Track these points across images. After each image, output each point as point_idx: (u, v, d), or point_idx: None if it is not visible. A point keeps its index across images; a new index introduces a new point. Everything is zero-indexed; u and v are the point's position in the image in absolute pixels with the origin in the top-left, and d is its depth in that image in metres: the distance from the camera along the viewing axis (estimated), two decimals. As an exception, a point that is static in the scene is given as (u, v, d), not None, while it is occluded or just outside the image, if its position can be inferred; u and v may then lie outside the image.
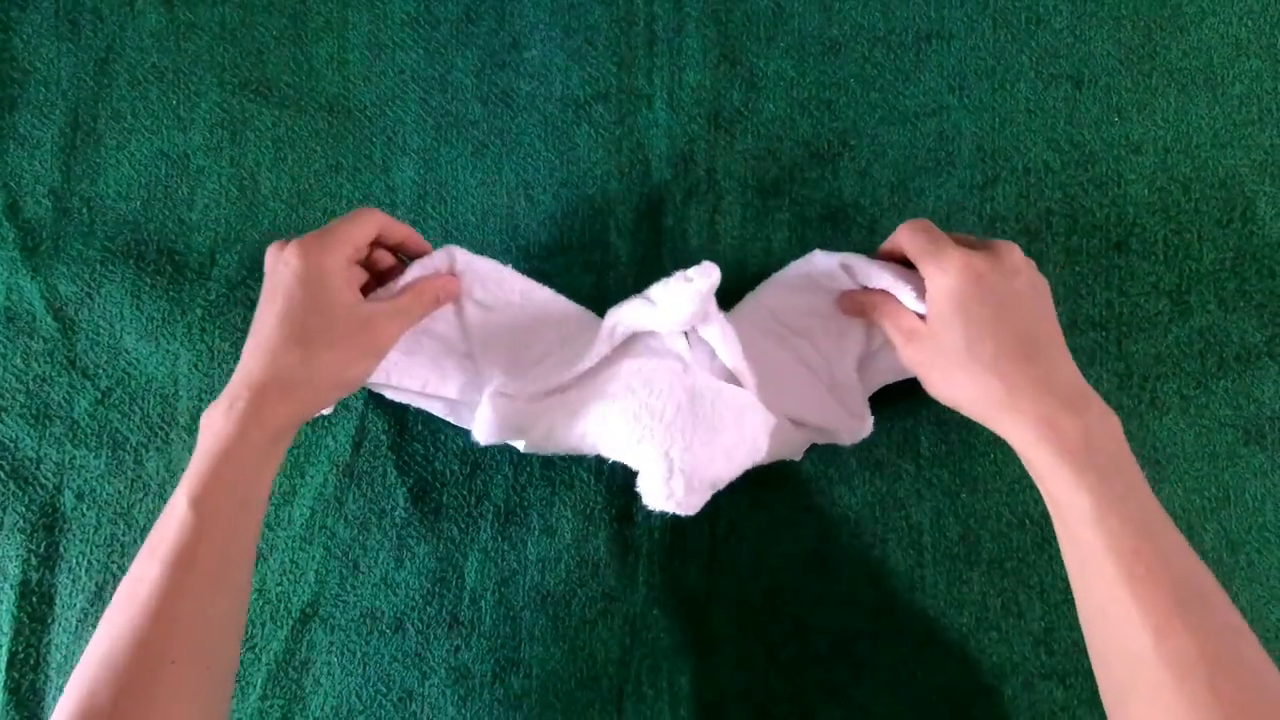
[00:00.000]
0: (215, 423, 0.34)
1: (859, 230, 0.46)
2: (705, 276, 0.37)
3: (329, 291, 0.36)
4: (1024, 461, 0.35)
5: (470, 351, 0.42)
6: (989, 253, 0.35)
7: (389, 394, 0.43)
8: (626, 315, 0.40)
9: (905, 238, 0.36)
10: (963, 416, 0.44)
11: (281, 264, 0.36)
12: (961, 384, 0.35)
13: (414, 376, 0.42)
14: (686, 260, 0.46)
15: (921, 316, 0.36)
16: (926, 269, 0.35)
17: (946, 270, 0.34)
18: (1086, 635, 0.33)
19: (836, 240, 0.46)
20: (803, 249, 0.42)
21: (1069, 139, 0.46)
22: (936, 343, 0.35)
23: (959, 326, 0.34)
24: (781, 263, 0.43)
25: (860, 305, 0.39)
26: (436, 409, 0.44)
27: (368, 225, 0.38)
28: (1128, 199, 0.46)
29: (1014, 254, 0.35)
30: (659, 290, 0.39)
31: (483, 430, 0.41)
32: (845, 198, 0.46)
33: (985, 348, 0.33)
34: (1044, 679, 0.42)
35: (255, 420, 0.34)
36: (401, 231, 0.40)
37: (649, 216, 0.46)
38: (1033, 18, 0.47)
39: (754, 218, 0.46)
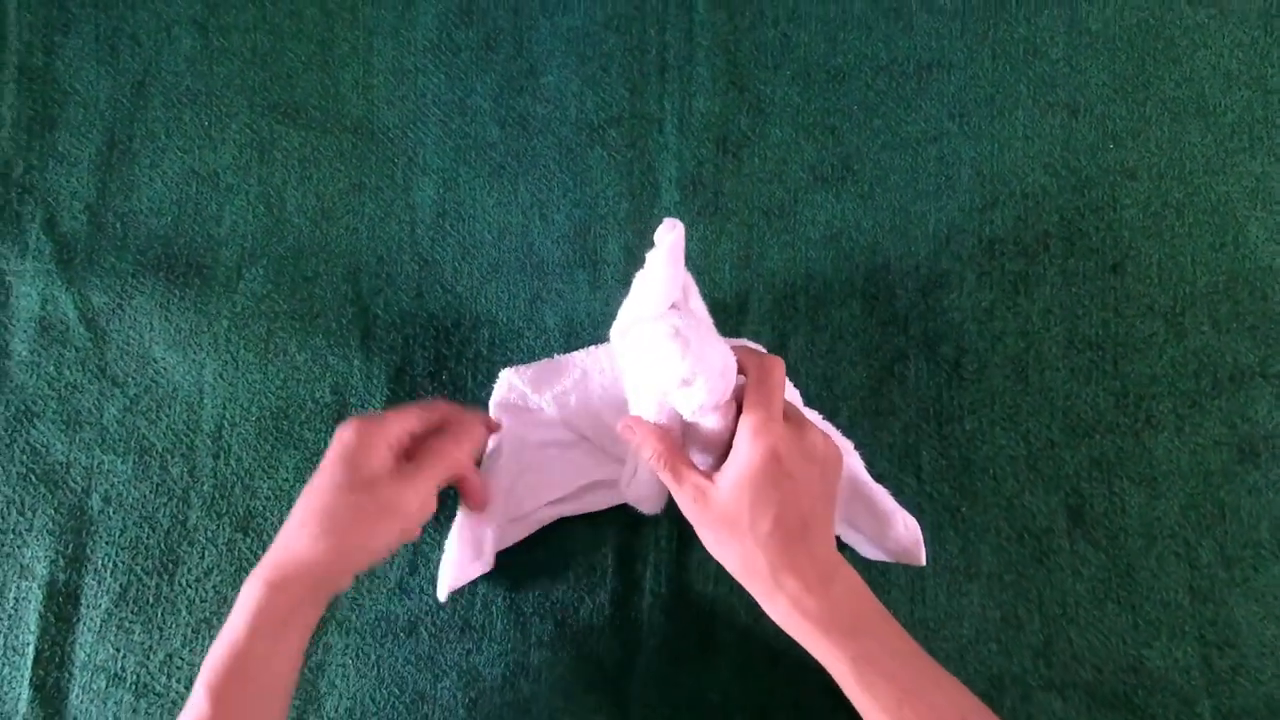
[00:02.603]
0: (242, 603, 0.36)
1: (861, 252, 0.48)
2: (667, 231, 0.37)
3: (365, 471, 0.37)
4: (787, 630, 0.36)
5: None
6: (797, 433, 0.36)
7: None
8: (624, 314, 0.40)
9: (753, 377, 0.37)
10: (964, 434, 0.46)
11: (336, 438, 0.38)
12: (733, 552, 0.36)
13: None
14: (692, 275, 0.48)
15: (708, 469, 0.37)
16: (745, 426, 0.36)
17: (756, 444, 0.35)
18: None
19: (838, 262, 0.47)
20: (805, 271, 0.44)
21: (1065, 164, 0.48)
22: (722, 509, 0.36)
23: (747, 500, 0.35)
24: (786, 283, 0.45)
25: (648, 446, 0.38)
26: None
27: (423, 416, 0.40)
28: (1123, 223, 0.47)
29: (815, 437, 0.37)
30: (640, 274, 0.39)
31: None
32: (848, 220, 0.48)
33: (763, 525, 0.35)
34: (1043, 690, 0.43)
35: (270, 612, 0.35)
36: (473, 434, 0.41)
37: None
38: (1030, 48, 0.49)
39: (759, 239, 0.48)
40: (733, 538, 0.36)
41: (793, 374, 0.44)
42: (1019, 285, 0.47)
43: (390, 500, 0.37)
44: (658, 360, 0.37)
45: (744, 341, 0.42)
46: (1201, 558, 0.44)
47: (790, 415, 0.37)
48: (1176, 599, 0.44)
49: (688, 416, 0.38)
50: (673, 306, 0.39)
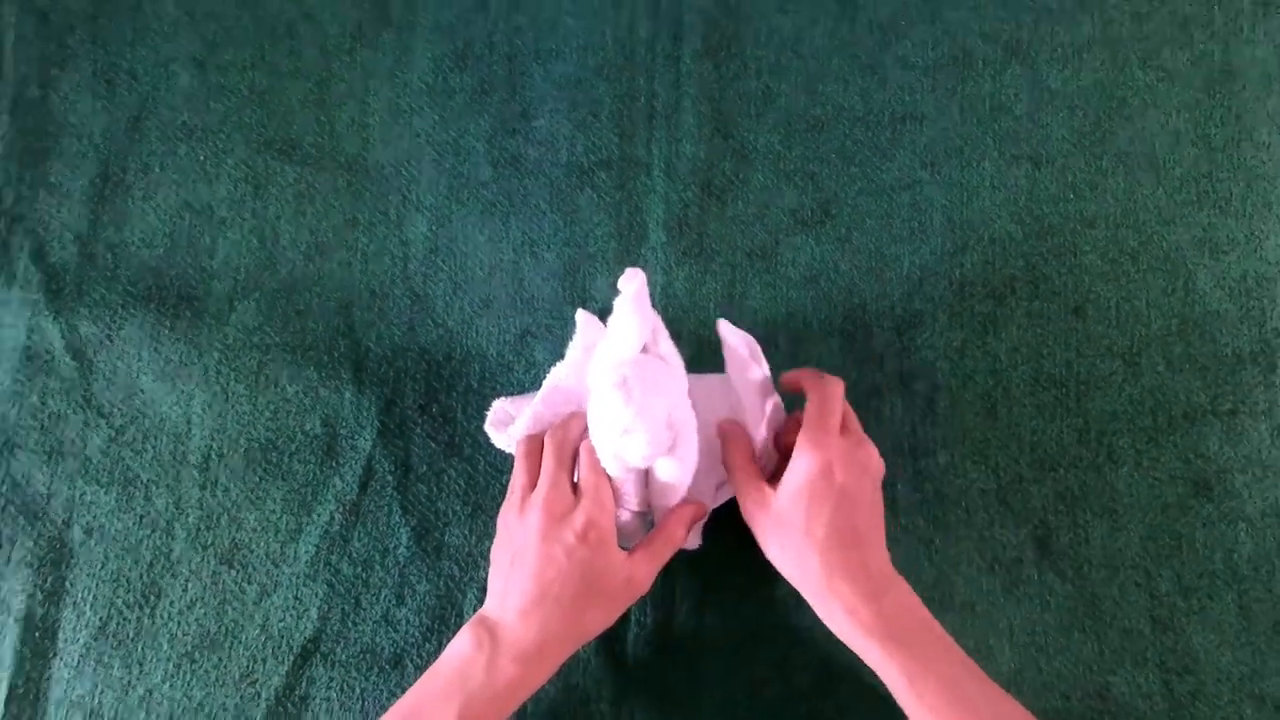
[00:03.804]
0: (479, 662, 0.37)
1: (839, 293, 0.50)
2: (630, 280, 0.39)
3: (608, 574, 0.39)
4: (842, 638, 0.39)
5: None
6: (850, 446, 0.39)
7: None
8: (597, 359, 0.42)
9: (814, 396, 0.40)
10: (938, 468, 0.48)
11: (563, 549, 0.38)
12: (790, 558, 0.39)
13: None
14: (678, 315, 0.49)
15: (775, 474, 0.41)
16: (804, 438, 0.39)
17: (815, 455, 0.38)
18: None
19: (817, 301, 0.50)
20: (785, 310, 0.46)
21: (1030, 213, 0.51)
22: (779, 515, 0.39)
23: (803, 507, 0.38)
24: (768, 321, 0.46)
25: (725, 449, 0.42)
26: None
27: (576, 446, 0.41)
28: (1083, 268, 0.50)
29: (868, 451, 0.40)
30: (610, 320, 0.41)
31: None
32: (827, 262, 0.50)
33: (818, 532, 0.38)
34: (1014, 718, 0.45)
35: (516, 690, 0.38)
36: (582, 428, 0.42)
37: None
38: (996, 104, 0.52)
39: (742, 279, 0.50)
40: (790, 543, 0.38)
41: (775, 409, 0.45)
42: (988, 326, 0.50)
43: (636, 589, 0.40)
44: (602, 407, 0.38)
45: (808, 370, 0.43)
46: (1161, 587, 0.46)
47: (849, 429, 0.40)
48: (1138, 627, 0.46)
49: (632, 463, 0.39)
50: (644, 350, 0.41)
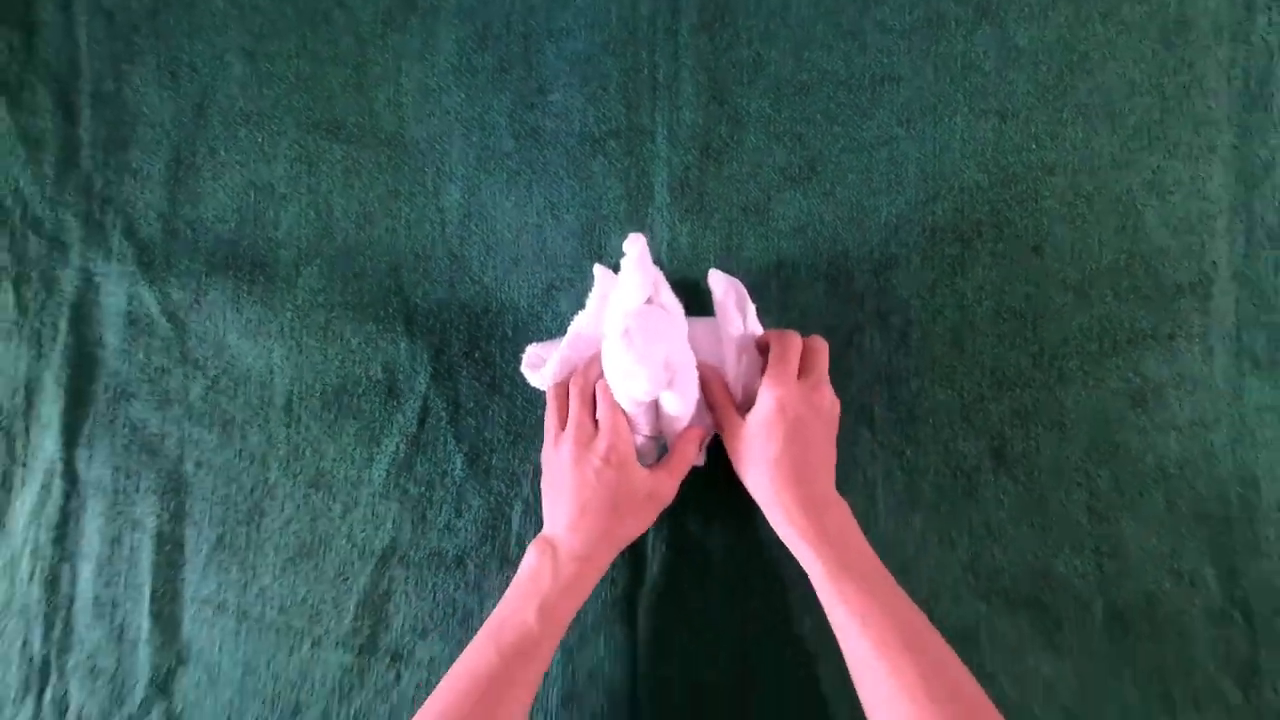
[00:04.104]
0: (546, 567, 0.46)
1: (824, 242, 0.57)
2: (633, 244, 0.47)
3: (633, 487, 0.48)
4: (784, 540, 0.47)
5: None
6: (807, 389, 0.47)
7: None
8: (609, 310, 0.49)
9: (776, 348, 0.48)
10: (909, 392, 0.55)
11: (592, 470, 0.47)
12: (754, 475, 0.48)
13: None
14: (682, 266, 0.57)
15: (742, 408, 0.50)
16: (766, 380, 0.47)
17: (773, 393, 0.47)
18: (847, 659, 0.44)
19: (804, 250, 0.56)
20: (776, 259, 0.53)
21: (996, 163, 0.57)
22: (748, 440, 0.48)
23: (763, 435, 0.47)
24: (761, 269, 0.53)
25: (705, 389, 0.50)
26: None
27: (619, 413, 0.48)
28: (1043, 211, 0.56)
29: (822, 394, 0.48)
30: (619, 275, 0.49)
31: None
32: (813, 215, 0.57)
33: (771, 454, 0.47)
34: (970, 596, 0.54)
35: (578, 583, 0.46)
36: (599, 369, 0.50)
37: (650, 231, 0.57)
38: (967, 63, 0.57)
39: (738, 233, 0.57)
40: (752, 462, 0.47)
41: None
42: (956, 266, 0.56)
43: (661, 499, 0.49)
44: (611, 353, 0.46)
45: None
46: (1099, 486, 0.54)
47: (811, 374, 0.48)
48: (1078, 519, 0.54)
49: (638, 398, 0.47)
50: (648, 301, 0.48)
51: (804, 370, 0.48)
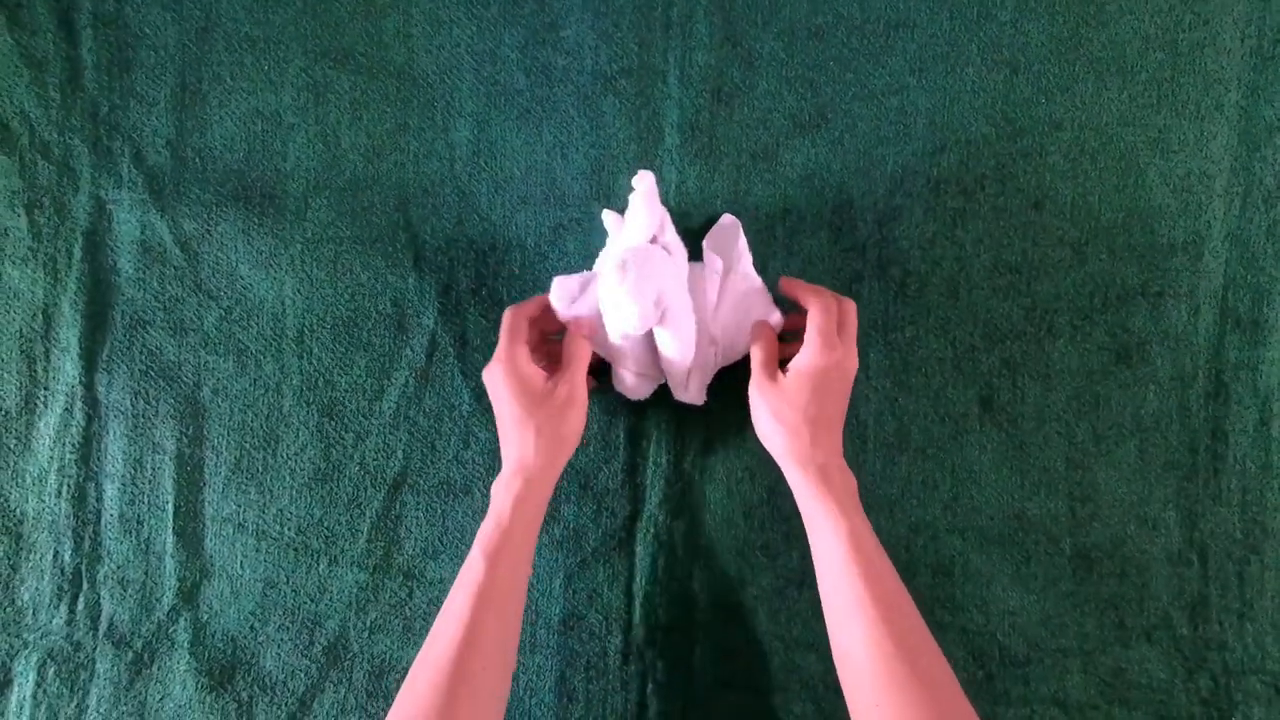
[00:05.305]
0: (499, 498, 0.48)
1: (830, 190, 0.57)
2: (641, 180, 0.48)
3: (540, 394, 0.48)
4: (800, 498, 0.48)
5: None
6: (845, 354, 0.49)
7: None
8: (612, 245, 0.50)
9: (834, 308, 0.49)
10: (904, 340, 0.57)
11: (491, 380, 0.49)
12: (785, 424, 0.48)
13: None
14: (689, 209, 0.57)
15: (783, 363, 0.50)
16: (821, 341, 0.48)
17: (826, 354, 0.48)
18: (826, 613, 0.46)
19: (810, 198, 0.57)
20: (783, 206, 0.53)
21: (1004, 116, 0.57)
22: (786, 394, 0.48)
23: (808, 389, 0.48)
24: (767, 215, 0.54)
25: (755, 342, 0.51)
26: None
27: (520, 317, 0.50)
28: (1047, 167, 0.57)
29: (854, 361, 0.49)
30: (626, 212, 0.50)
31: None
32: (820, 163, 0.57)
33: (812, 409, 0.48)
34: (947, 533, 0.57)
35: (526, 500, 0.48)
36: (538, 308, 0.51)
37: (659, 173, 0.57)
38: (983, 11, 0.57)
39: (746, 178, 0.57)
40: (788, 415, 0.48)
41: (769, 293, 0.55)
42: (957, 219, 0.57)
43: (569, 400, 0.49)
44: (606, 284, 0.48)
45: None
46: (1078, 436, 0.57)
47: (846, 337, 0.50)
48: (1055, 466, 0.57)
49: (629, 331, 0.48)
50: (653, 239, 0.49)
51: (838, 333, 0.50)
